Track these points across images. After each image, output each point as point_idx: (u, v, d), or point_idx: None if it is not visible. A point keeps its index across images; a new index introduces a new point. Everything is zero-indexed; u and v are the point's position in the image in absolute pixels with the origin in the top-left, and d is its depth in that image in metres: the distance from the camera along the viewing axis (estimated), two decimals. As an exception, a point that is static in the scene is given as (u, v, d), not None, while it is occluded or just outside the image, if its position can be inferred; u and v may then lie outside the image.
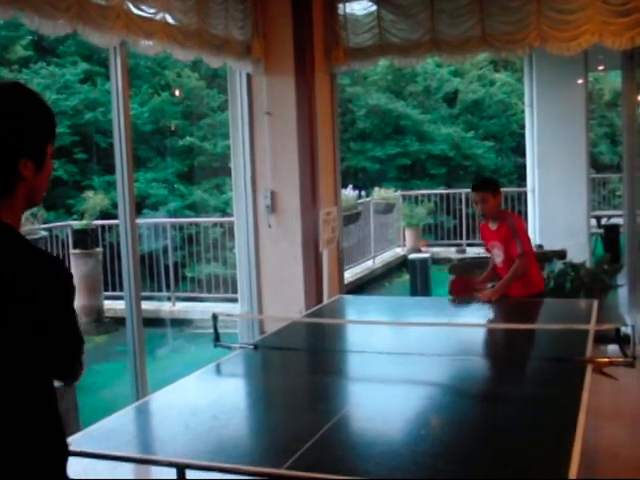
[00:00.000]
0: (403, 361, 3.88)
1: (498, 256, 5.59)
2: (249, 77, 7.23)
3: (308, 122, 7.21)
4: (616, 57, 7.91)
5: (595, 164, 16.91)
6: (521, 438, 2.72)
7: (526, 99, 11.49)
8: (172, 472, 3.18)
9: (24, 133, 1.96)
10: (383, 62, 9.35)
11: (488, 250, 5.82)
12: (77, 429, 4.33)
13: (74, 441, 2.70)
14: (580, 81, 10.63)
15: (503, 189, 5.66)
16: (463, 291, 5.58)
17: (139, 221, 5.41)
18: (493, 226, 5.59)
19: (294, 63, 7.15)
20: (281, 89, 7.22)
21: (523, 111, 12.42)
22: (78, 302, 10.39)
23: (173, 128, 16.86)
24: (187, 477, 3.17)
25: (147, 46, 5.65)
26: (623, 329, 3.95)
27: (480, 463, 2.51)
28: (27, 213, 11.46)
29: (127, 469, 4.78)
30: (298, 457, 2.53)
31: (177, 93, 17.26)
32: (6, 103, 1.96)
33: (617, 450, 4.91)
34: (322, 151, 7.39)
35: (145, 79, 16.84)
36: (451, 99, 20.65)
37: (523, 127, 12.32)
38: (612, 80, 19.22)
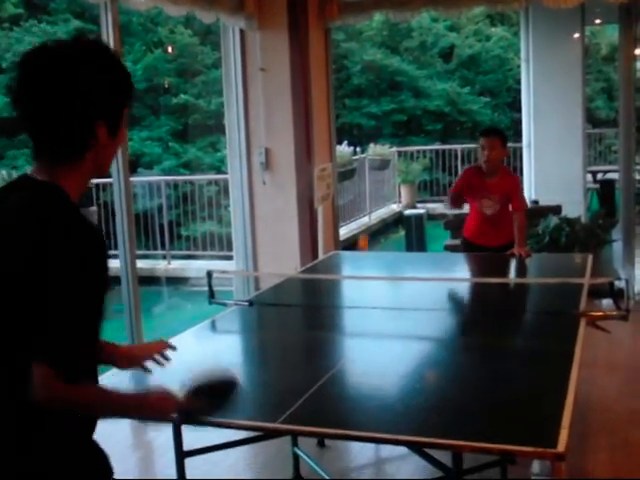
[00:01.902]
0: (398, 316, 3.89)
1: (489, 207, 5.56)
2: (242, 33, 7.16)
3: (302, 78, 7.15)
4: (613, 10, 7.82)
5: (591, 119, 16.83)
6: (514, 391, 2.74)
7: (522, 54, 11.40)
8: (168, 428, 3.21)
9: (104, 92, 1.81)
10: (378, 17, 9.28)
11: (470, 199, 5.69)
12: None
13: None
14: (577, 35, 10.54)
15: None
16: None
17: (133, 180, 5.40)
18: (490, 177, 5.52)
19: (288, 18, 7.07)
20: (275, 45, 7.15)
21: (519, 66, 12.34)
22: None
23: (167, 86, 16.74)
24: (183, 432, 3.20)
25: (138, 1, 5.57)
26: (617, 283, 3.96)
27: (473, 416, 2.53)
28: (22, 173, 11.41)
29: (124, 425, 4.83)
30: (293, 411, 2.54)
31: (170, 50, 17.10)
32: (87, 58, 1.80)
33: (609, 402, 4.96)
34: (316, 107, 7.35)
35: (138, 36, 16.67)
36: (447, 54, 20.49)
37: (519, 82, 12.25)
38: (609, 34, 19.07)
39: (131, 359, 2.44)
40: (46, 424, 1.78)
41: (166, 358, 2.53)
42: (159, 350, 2.53)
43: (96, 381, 1.97)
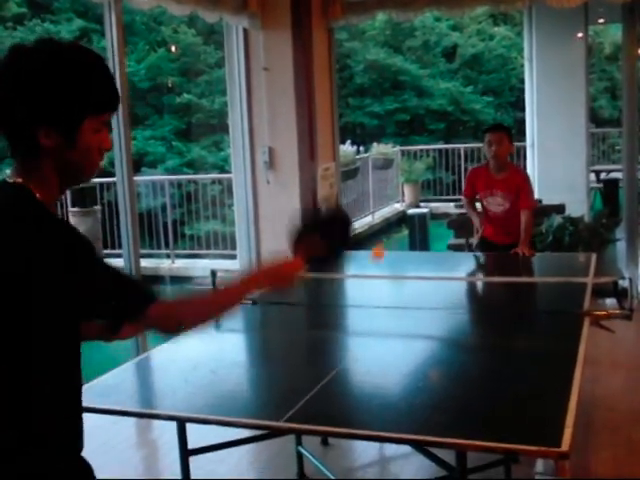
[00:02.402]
0: (401, 315, 3.89)
1: (499, 205, 5.52)
2: (246, 32, 7.16)
3: (305, 78, 7.15)
4: (616, 10, 7.82)
5: (595, 118, 16.83)
6: (518, 390, 2.74)
7: (525, 53, 11.39)
8: (172, 426, 3.22)
9: (51, 98, 1.74)
10: (381, 16, 9.27)
11: (479, 197, 5.68)
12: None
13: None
14: (580, 34, 10.53)
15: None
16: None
17: (137, 179, 5.40)
18: (498, 174, 5.49)
19: (291, 18, 7.08)
20: (278, 44, 7.15)
21: (522, 65, 12.34)
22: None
23: (170, 85, 16.75)
24: (187, 430, 3.21)
25: (141, 1, 5.58)
26: (621, 282, 3.96)
27: (477, 415, 2.53)
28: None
29: (129, 423, 4.85)
30: (296, 410, 2.55)
31: (174, 49, 17.11)
32: (33, 60, 1.75)
33: (613, 402, 4.96)
34: (320, 107, 7.35)
35: (141, 35, 16.71)
36: (450, 54, 20.50)
37: (522, 81, 12.24)
38: (612, 33, 19.04)
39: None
40: (33, 440, 1.76)
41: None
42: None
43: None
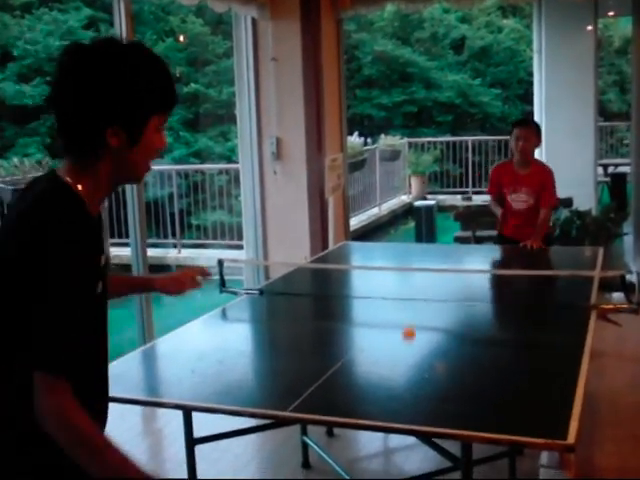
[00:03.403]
0: (407, 307, 3.90)
1: (523, 202, 5.47)
2: (254, 22, 7.15)
3: (314, 68, 7.15)
4: (627, 3, 7.80)
5: (603, 112, 16.77)
6: (524, 383, 2.74)
7: (535, 46, 11.34)
8: (178, 415, 3.23)
9: (119, 97, 1.75)
10: (390, 7, 9.25)
11: (503, 193, 5.58)
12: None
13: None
14: (589, 27, 10.48)
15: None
16: None
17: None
18: (523, 170, 5.46)
19: (300, 8, 7.07)
20: (287, 35, 7.14)
21: (531, 58, 12.28)
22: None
23: (178, 75, 16.73)
24: (193, 419, 3.22)
25: (151, -10, 5.58)
26: (628, 276, 3.96)
27: (483, 407, 2.54)
28: (33, 161, 11.43)
29: (134, 412, 4.87)
30: (302, 400, 2.55)
31: (182, 39, 17.09)
32: (99, 60, 1.75)
33: (619, 395, 4.95)
34: (328, 97, 7.34)
35: (149, 25, 16.69)
36: (458, 46, 20.43)
37: (531, 74, 12.19)
38: (622, 26, 18.96)
39: (174, 284, 2.78)
40: (36, 447, 1.74)
41: (207, 274, 2.94)
42: (197, 273, 2.88)
43: (106, 396, 1.96)
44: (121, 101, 1.75)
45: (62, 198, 1.75)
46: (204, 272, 2.93)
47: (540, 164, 5.67)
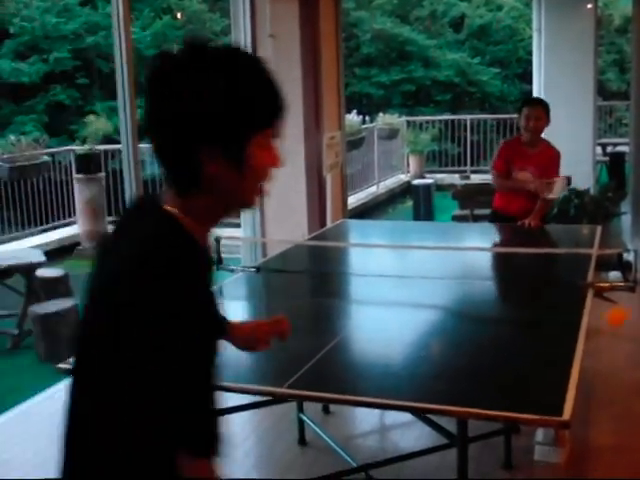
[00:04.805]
0: (404, 284, 3.90)
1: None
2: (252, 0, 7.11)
3: (312, 46, 7.10)
4: (627, -20, 7.75)
5: (602, 91, 16.72)
6: (520, 360, 2.75)
7: (534, 24, 11.30)
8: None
9: (212, 114, 1.45)
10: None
11: (509, 170, 5.47)
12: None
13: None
14: (589, 6, 10.44)
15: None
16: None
17: (142, 146, 5.39)
18: (532, 149, 5.43)
19: (298, -16, 7.02)
20: (285, 12, 7.09)
21: (531, 37, 12.24)
22: (83, 227, 10.42)
23: (175, 52, 16.65)
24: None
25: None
26: (625, 255, 3.96)
27: (479, 384, 2.54)
28: (30, 139, 11.39)
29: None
30: (298, 377, 2.56)
31: (179, 16, 17.00)
32: (198, 71, 1.46)
33: (615, 374, 4.97)
34: (326, 75, 7.30)
35: (147, 2, 16.58)
36: (457, 24, 20.35)
37: (530, 53, 12.16)
38: (622, 5, 18.87)
39: (246, 340, 2.18)
40: None
41: (283, 337, 2.24)
42: (275, 332, 2.24)
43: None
44: (212, 118, 1.46)
45: (177, 238, 1.48)
46: (283, 333, 2.25)
47: (548, 144, 5.63)
